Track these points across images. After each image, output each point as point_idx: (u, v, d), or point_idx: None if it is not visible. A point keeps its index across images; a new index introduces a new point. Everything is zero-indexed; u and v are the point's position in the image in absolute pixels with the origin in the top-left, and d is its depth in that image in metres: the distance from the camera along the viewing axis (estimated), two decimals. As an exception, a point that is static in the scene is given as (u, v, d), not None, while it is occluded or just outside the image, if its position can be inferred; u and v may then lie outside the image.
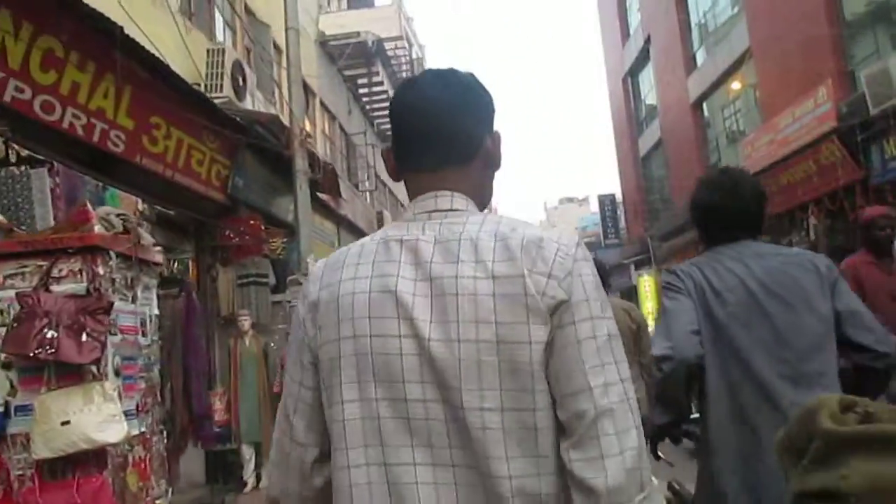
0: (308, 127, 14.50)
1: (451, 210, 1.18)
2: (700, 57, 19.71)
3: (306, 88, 14.60)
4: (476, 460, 1.05)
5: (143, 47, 5.52)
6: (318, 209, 11.58)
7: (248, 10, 11.32)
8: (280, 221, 9.40)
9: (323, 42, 16.00)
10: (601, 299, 1.10)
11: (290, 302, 7.93)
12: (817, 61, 13.09)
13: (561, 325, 1.06)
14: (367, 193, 19.20)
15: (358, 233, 15.29)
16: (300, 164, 8.10)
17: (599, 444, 1.02)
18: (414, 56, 31.13)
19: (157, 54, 5.85)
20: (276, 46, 12.15)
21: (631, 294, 23.35)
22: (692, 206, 2.45)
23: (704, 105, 19.61)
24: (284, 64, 8.92)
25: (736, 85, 17.70)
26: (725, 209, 2.32)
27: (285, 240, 8.91)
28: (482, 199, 1.28)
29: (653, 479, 1.08)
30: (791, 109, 12.77)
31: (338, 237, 12.67)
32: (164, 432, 4.28)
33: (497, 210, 65.88)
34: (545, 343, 1.05)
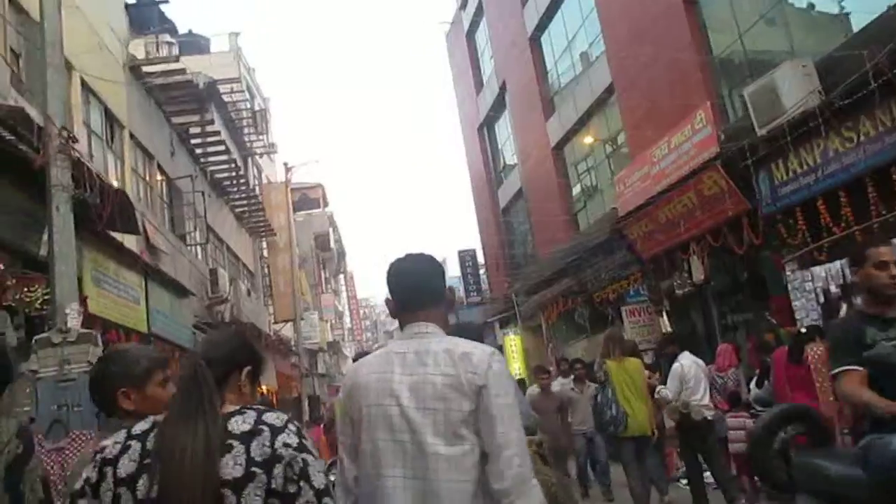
0: (112, 164, 11.88)
1: (425, 333, 2.19)
2: (558, 100, 18.90)
3: (109, 116, 12.03)
4: (429, 475, 1.99)
5: None
6: (114, 255, 8.99)
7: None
8: (43, 263, 6.82)
9: (134, 67, 13.50)
10: (502, 383, 2.05)
11: (36, 373, 5.38)
12: (688, 89, 12.24)
13: (480, 401, 2.01)
14: (197, 248, 16.50)
15: (181, 292, 12.63)
16: (58, 177, 5.69)
17: (500, 460, 1.97)
18: (256, 108, 28.91)
19: None
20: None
21: (497, 353, 21.67)
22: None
23: (566, 149, 18.70)
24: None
25: (597, 125, 16.87)
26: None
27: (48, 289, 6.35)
28: (445, 325, 2.26)
29: (534, 481, 2.03)
30: (666, 138, 11.73)
31: (145, 293, 10.05)
32: None
33: (352, 276, 63.78)
34: (471, 410, 2.00)
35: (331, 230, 43.60)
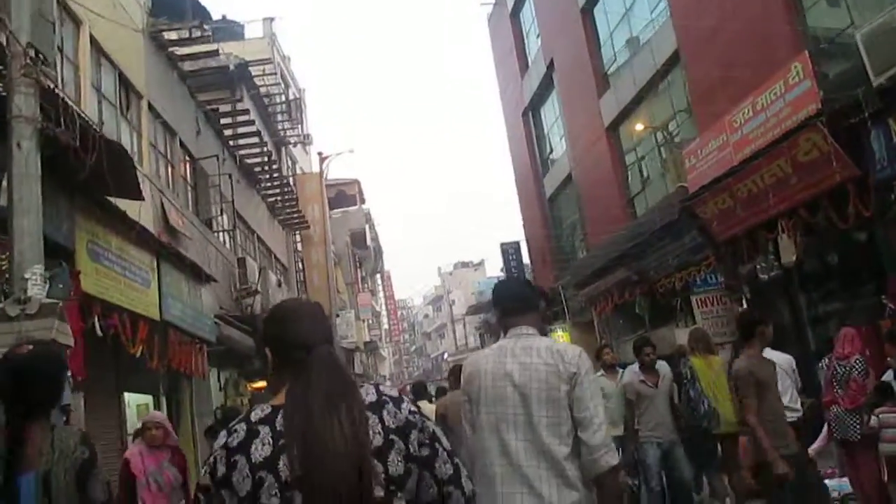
0: (126, 135, 10.75)
1: (528, 334, 2.84)
2: (613, 76, 17.38)
3: (124, 82, 10.91)
4: (535, 437, 2.64)
5: None
6: (118, 228, 7.79)
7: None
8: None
9: (156, 35, 12.38)
10: (589, 374, 2.73)
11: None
12: (772, 47, 10.71)
13: (574, 384, 2.67)
14: (224, 234, 15.36)
15: (202, 278, 11.44)
16: (21, 105, 4.46)
17: (592, 427, 2.63)
18: (291, 97, 27.87)
19: None
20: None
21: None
22: None
23: (622, 128, 17.16)
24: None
25: (659, 100, 15.34)
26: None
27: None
28: (541, 328, 2.96)
29: (612, 445, 2.69)
30: (749, 100, 10.18)
31: (157, 276, 8.83)
32: None
33: (389, 275, 62.65)
34: (567, 391, 2.66)
35: (367, 227, 42.49)
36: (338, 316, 25.48)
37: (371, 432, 1.67)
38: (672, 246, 13.35)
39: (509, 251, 25.35)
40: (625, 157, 17.36)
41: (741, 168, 10.37)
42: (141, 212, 9.93)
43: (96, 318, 6.99)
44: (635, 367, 7.08)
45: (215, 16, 25.06)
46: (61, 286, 6.36)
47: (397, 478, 1.67)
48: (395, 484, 1.67)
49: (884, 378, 6.56)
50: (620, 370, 7.89)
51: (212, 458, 1.69)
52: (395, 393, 1.83)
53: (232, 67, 19.37)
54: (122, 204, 8.02)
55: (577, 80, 19.07)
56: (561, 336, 21.70)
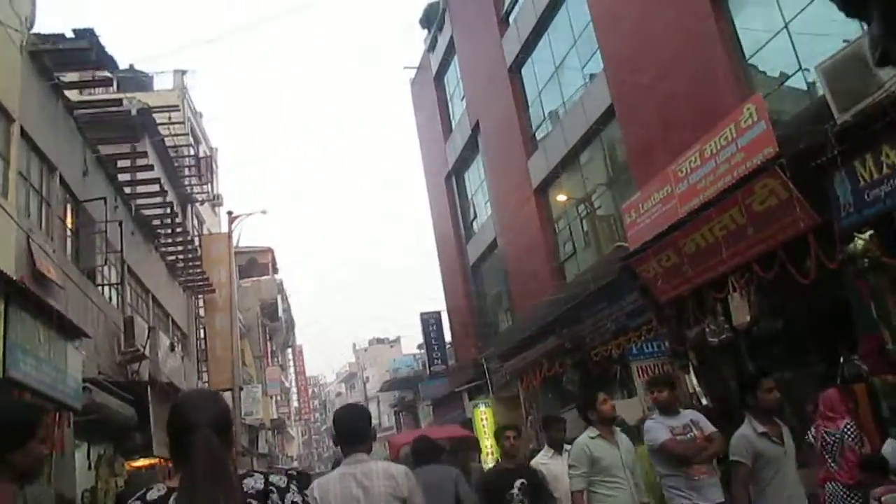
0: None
1: (364, 461, 3.32)
2: (542, 135, 16.77)
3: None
4: None
5: None
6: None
7: None
8: None
9: (36, 54, 10.85)
10: (418, 490, 3.31)
11: None
12: (717, 92, 10.17)
13: (409, 498, 3.26)
14: (110, 289, 13.49)
15: (70, 332, 9.61)
16: None
17: None
18: (201, 154, 26.31)
19: None
20: None
21: (468, 428, 18.75)
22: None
23: (551, 190, 16.43)
24: None
25: (592, 158, 14.70)
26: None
27: None
28: (370, 451, 3.45)
29: None
30: (696, 148, 9.47)
31: (2, 322, 7.02)
32: None
33: (301, 350, 59.91)
34: None
35: (279, 298, 40.38)
36: (241, 388, 23.30)
37: None
38: (610, 310, 12.41)
39: (430, 321, 24.08)
40: (554, 220, 16.58)
41: (689, 220, 9.57)
42: (2, 253, 8.23)
43: None
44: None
45: (123, 65, 23.55)
46: None
47: None
48: None
49: (884, 450, 5.55)
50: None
51: None
52: (282, 483, 1.98)
53: (134, 112, 17.84)
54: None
55: (503, 142, 18.42)
56: (484, 412, 20.36)
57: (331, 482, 3.29)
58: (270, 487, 1.92)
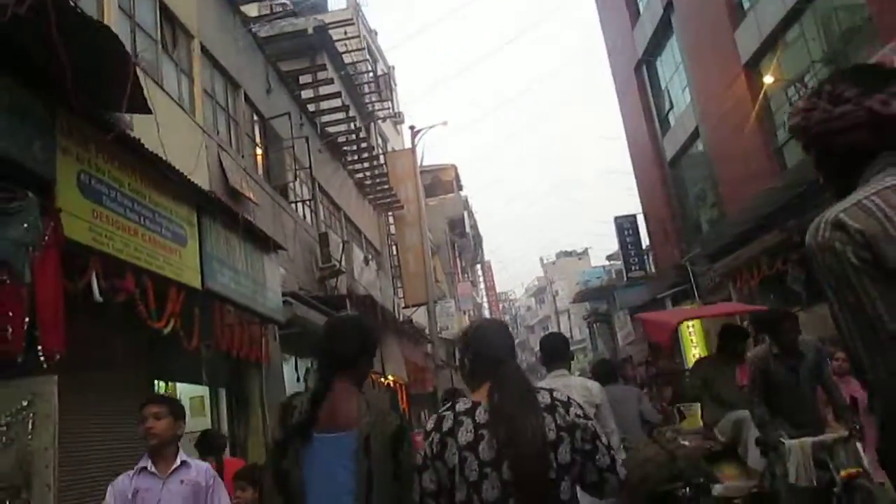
0: (173, 77, 9.02)
1: (564, 375, 4.27)
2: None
3: (168, 16, 9.17)
4: None
5: None
6: (133, 162, 5.89)
7: None
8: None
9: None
10: (606, 399, 4.19)
11: None
12: None
13: (598, 408, 4.08)
14: (301, 206, 13.55)
15: (265, 244, 9.56)
16: None
17: (612, 439, 3.89)
18: (379, 72, 26.09)
19: None
20: None
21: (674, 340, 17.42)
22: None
23: (763, 63, 14.23)
24: None
25: (817, 16, 12.38)
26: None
27: None
28: (569, 368, 4.43)
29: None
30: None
31: (197, 232, 6.90)
32: None
33: (490, 266, 60.38)
34: (595, 413, 3.96)
35: (466, 214, 40.35)
36: (436, 304, 23.46)
37: (546, 429, 2.17)
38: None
39: (624, 225, 22.63)
40: (768, 96, 14.41)
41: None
42: (196, 169, 8.13)
43: (94, 277, 5.09)
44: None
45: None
46: (25, 226, 4.48)
47: (565, 465, 2.16)
48: (564, 469, 2.16)
49: None
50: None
51: (430, 439, 2.24)
52: (565, 398, 2.30)
53: (311, 31, 17.69)
54: (149, 137, 6.16)
55: (703, 14, 16.23)
56: (691, 322, 18.86)
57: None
58: (556, 402, 2.25)
